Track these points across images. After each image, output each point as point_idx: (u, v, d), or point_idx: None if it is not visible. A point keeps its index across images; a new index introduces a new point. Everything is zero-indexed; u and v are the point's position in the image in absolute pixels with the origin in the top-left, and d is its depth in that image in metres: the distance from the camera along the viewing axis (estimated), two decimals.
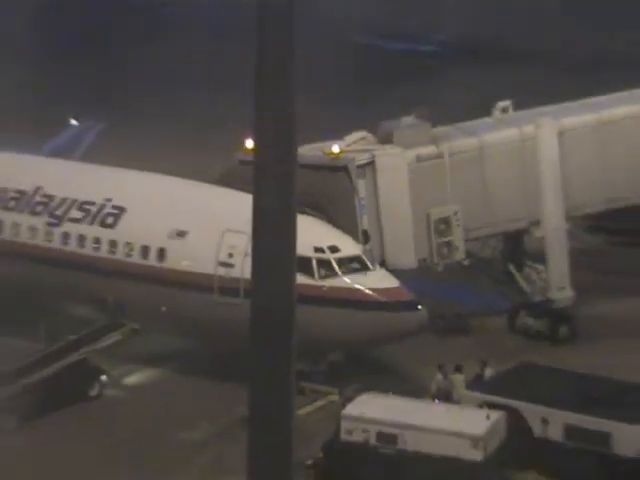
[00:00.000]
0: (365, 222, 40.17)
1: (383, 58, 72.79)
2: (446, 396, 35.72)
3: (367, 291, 36.98)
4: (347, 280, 36.99)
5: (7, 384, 36.56)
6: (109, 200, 40.28)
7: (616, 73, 53.17)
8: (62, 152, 49.61)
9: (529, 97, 47.46)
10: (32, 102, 60.27)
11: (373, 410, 33.73)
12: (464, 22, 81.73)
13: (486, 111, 45.91)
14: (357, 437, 33.10)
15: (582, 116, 44.66)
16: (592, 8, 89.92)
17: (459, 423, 33.26)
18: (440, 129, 43.07)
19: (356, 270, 37.30)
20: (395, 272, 38.56)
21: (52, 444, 35.42)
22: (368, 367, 38.52)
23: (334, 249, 37.19)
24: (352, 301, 36.76)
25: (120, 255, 39.48)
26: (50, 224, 40.83)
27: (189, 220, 38.63)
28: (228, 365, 34.36)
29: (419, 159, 41.14)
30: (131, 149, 46.48)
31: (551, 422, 33.95)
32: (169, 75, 76.09)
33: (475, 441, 32.41)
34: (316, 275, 35.99)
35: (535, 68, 67.90)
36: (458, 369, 36.29)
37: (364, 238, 39.33)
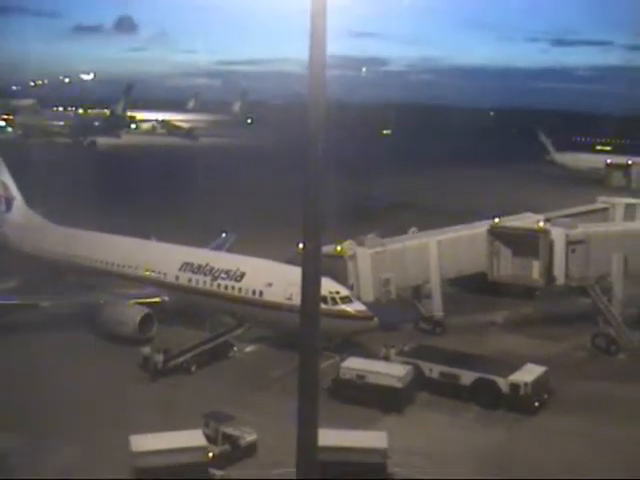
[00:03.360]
0: (351, 280, 39.87)
1: (357, 210, 71.82)
2: (386, 359, 35.25)
3: (352, 311, 36.60)
4: (343, 306, 36.50)
5: (190, 352, 36.21)
6: (238, 269, 39.94)
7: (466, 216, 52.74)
8: (217, 248, 49.62)
9: (426, 226, 47.47)
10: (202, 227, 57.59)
11: (354, 365, 33.66)
12: (399, 192, 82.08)
13: (404, 231, 46.00)
14: (347, 377, 33.09)
15: (447, 234, 44.73)
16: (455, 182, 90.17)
17: (392, 370, 33.20)
18: (385, 239, 42.89)
19: (347, 302, 36.84)
20: (364, 303, 37.97)
21: (212, 377, 35.06)
22: (352, 346, 37.67)
23: (337, 292, 36.82)
24: (345, 316, 36.26)
25: (242, 294, 39.03)
26: (212, 280, 40.53)
27: (273, 278, 38.23)
28: (289, 343, 34.00)
29: (376, 253, 40.93)
30: (249, 248, 45.70)
31: (433, 370, 33.89)
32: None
33: (399, 378, 32.41)
34: (329, 303, 35.40)
35: (426, 214, 67.35)
36: (392, 346, 35.97)
37: (350, 288, 39.05)
